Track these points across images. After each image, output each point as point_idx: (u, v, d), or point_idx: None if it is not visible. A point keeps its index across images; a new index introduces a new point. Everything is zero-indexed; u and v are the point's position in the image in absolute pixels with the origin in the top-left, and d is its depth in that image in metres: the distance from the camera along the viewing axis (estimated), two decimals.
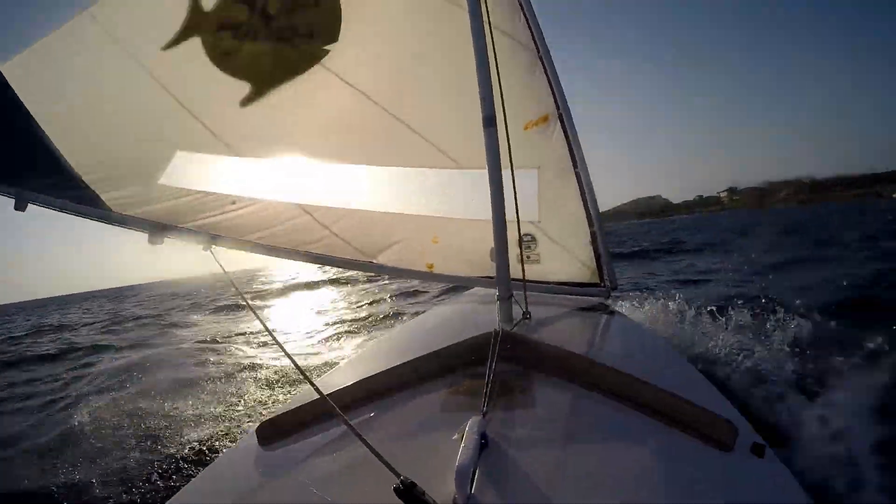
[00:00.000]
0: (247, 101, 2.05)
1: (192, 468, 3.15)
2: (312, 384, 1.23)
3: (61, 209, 1.90)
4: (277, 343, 1.50)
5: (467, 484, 0.89)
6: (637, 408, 1.20)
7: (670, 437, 1.10)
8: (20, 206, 1.86)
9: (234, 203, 2.09)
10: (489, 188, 1.79)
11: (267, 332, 1.40)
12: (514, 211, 1.86)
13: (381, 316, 8.84)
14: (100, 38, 2.06)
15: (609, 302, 2.27)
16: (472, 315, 2.33)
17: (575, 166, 2.10)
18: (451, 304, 2.96)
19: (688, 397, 1.16)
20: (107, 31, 2.07)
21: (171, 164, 2.06)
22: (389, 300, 11.08)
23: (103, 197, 1.95)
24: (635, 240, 24.95)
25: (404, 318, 7.99)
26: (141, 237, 1.97)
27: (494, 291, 1.82)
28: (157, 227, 1.94)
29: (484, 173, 1.82)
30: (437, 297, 9.66)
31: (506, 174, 1.82)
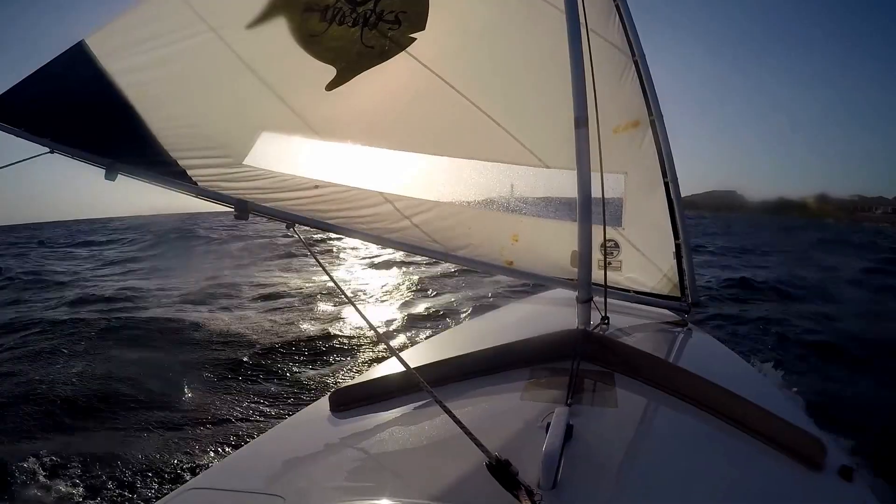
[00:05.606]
0: (332, 86, 2.02)
1: None
2: (400, 358, 1.22)
3: (151, 181, 1.97)
4: (363, 316, 1.56)
5: (553, 470, 0.91)
6: (722, 417, 1.19)
7: (757, 449, 1.08)
8: (110, 177, 1.91)
9: (316, 188, 2.10)
10: (576, 189, 1.74)
11: (351, 304, 1.65)
12: (601, 215, 1.80)
13: None
14: (182, 12, 2.01)
15: (687, 319, 2.21)
16: (550, 314, 2.35)
17: (664, 175, 2.05)
18: (526, 303, 2.96)
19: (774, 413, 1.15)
20: (189, 5, 2.04)
21: (255, 144, 2.07)
22: None
23: (190, 173, 2.00)
24: None
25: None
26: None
27: (572, 294, 1.81)
28: (244, 205, 1.99)
29: (569, 174, 1.77)
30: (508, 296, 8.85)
31: (594, 177, 1.78)
